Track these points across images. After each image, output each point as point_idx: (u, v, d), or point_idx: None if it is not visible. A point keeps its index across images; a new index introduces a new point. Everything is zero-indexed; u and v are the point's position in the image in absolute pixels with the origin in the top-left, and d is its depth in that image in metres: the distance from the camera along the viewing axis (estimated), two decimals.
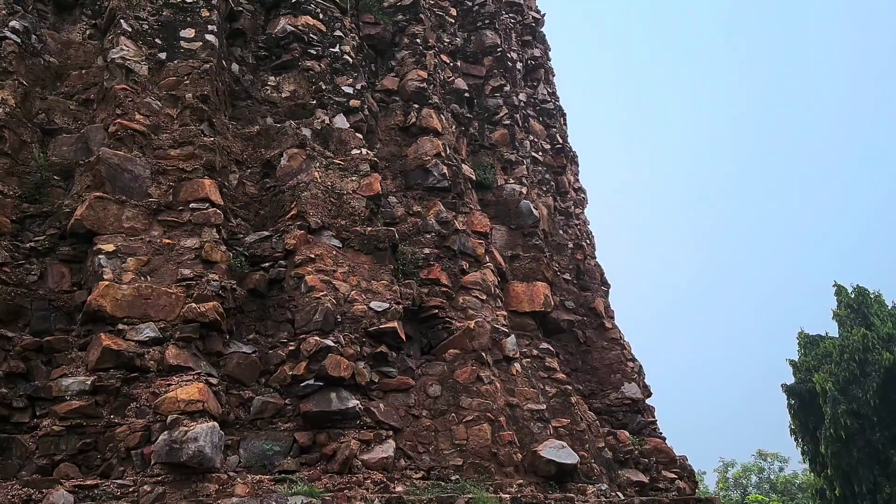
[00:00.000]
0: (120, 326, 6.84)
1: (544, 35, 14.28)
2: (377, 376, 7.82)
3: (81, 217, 7.30)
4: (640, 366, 11.93)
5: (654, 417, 11.52)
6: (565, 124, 14.08)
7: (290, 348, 7.45)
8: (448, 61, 11.48)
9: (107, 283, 6.95)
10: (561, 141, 13.46)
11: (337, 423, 7.11)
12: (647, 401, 11.63)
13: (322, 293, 7.76)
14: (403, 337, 8.11)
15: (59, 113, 8.44)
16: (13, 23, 8.31)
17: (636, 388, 11.44)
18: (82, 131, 8.23)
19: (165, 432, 6.00)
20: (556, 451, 8.46)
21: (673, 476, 10.66)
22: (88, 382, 6.46)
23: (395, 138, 10.29)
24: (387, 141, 10.29)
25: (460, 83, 11.52)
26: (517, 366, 9.24)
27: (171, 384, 6.50)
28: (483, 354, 8.60)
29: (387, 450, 7.10)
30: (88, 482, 5.77)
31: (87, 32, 9.10)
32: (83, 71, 8.84)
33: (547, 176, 12.77)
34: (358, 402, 7.24)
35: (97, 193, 7.46)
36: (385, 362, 7.91)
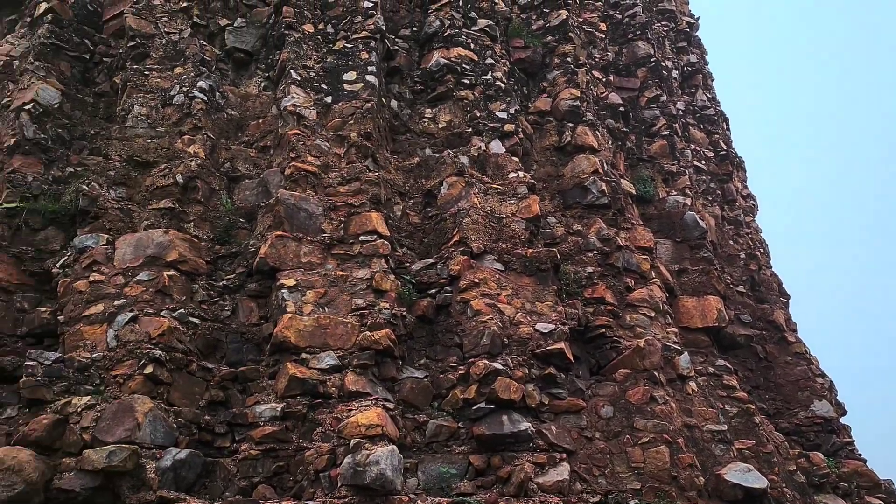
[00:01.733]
0: (303, 356, 7.30)
1: (699, 39, 13.79)
2: (547, 398, 7.80)
3: (265, 255, 7.89)
4: (831, 382, 11.04)
5: (850, 437, 10.60)
6: (728, 129, 13.46)
7: (460, 372, 7.61)
8: (600, 77, 11.37)
9: (290, 315, 7.45)
10: (724, 147, 12.88)
11: (510, 445, 7.16)
12: (842, 419, 10.74)
13: (488, 317, 7.88)
14: (571, 358, 8.05)
15: (241, 160, 9.20)
16: (200, 83, 9.20)
17: (828, 405, 10.60)
18: (262, 176, 8.92)
19: (349, 455, 6.32)
20: (743, 475, 8.00)
21: (878, 502, 9.74)
22: (279, 409, 6.94)
23: (550, 158, 10.31)
24: (542, 162, 10.33)
25: (614, 97, 11.35)
26: (693, 385, 8.87)
27: (352, 409, 6.84)
28: (655, 374, 8.34)
29: (561, 473, 7.05)
30: (284, 503, 6.18)
31: (262, 85, 9.89)
32: (260, 120, 9.59)
33: (712, 185, 12.25)
34: (529, 424, 7.25)
35: (277, 232, 8.04)
36: (554, 384, 7.88)
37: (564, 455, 7.37)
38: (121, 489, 6.03)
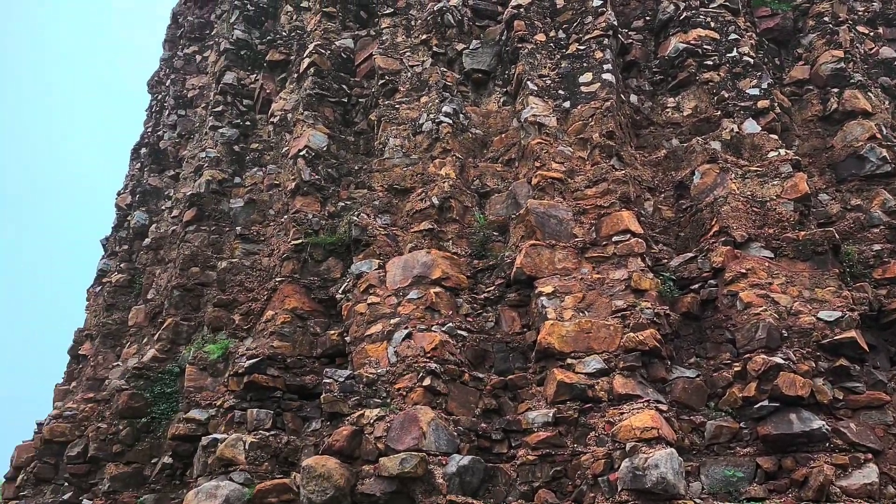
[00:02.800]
0: (569, 361, 7.34)
1: None
2: (841, 393, 7.06)
3: (521, 265, 8.07)
4: None
5: None
6: None
7: (736, 369, 7.17)
8: (867, 31, 10.15)
9: (551, 321, 7.55)
10: None
11: (802, 446, 6.59)
12: None
13: (761, 308, 7.35)
14: (865, 347, 7.22)
15: (489, 176, 9.54)
16: (445, 108, 9.71)
17: None
18: (510, 188, 9.16)
19: (626, 459, 6.22)
20: None
21: None
22: (550, 415, 7.04)
23: (815, 130, 9.39)
24: (806, 136, 9.44)
25: (886, 51, 10.06)
26: None
27: (624, 412, 6.73)
28: None
29: (868, 475, 6.33)
30: None
31: (501, 100, 10.18)
32: (503, 135, 9.88)
33: None
34: (823, 422, 6.62)
35: (530, 242, 8.20)
36: (847, 377, 7.12)
37: (870, 455, 6.62)
38: (415, 493, 6.49)
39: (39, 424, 10.43)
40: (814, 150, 9.27)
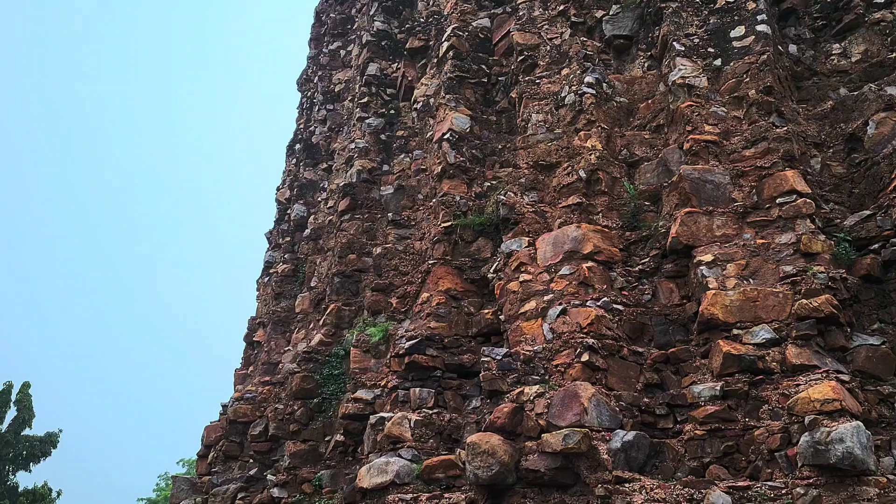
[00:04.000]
0: (734, 331, 6.99)
1: None
2: None
3: (677, 234, 7.76)
4: None
5: None
6: None
7: None
8: None
9: (713, 291, 7.22)
10: None
11: None
12: None
13: None
14: None
15: (636, 144, 9.23)
16: (587, 78, 9.48)
17: None
18: (660, 156, 8.82)
19: (806, 433, 5.86)
20: None
21: None
22: (717, 388, 6.75)
23: None
24: None
25: None
26: None
27: (799, 384, 6.34)
28: None
29: None
30: (740, 483, 5.98)
31: (646, 65, 9.80)
32: (649, 101, 9.51)
33: None
34: None
35: (686, 209, 7.86)
36: None
37: None
38: (579, 469, 6.45)
39: (224, 406, 11.31)
40: None
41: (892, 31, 8.39)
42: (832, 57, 8.85)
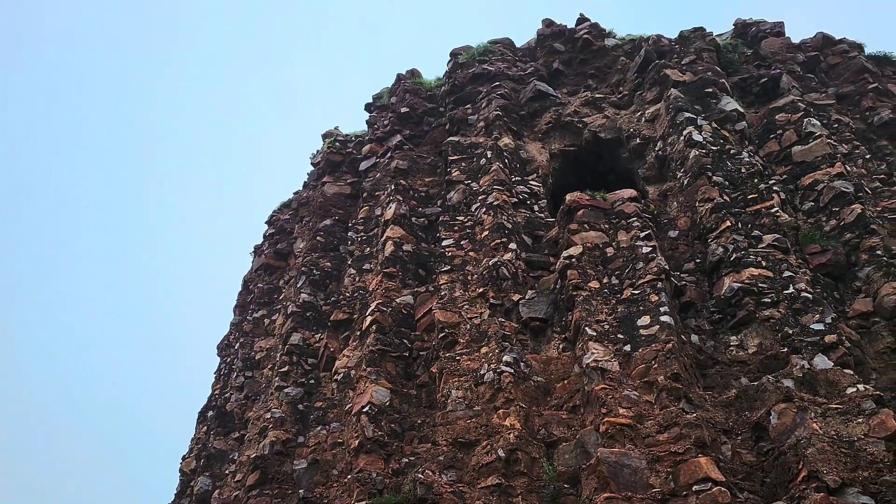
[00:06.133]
0: None
1: None
2: None
3: None
4: None
5: None
6: None
7: None
8: None
9: None
10: None
11: None
12: None
13: None
14: None
15: (554, 424, 9.30)
16: (505, 357, 9.77)
17: None
18: (577, 437, 8.87)
19: None
20: None
21: None
22: None
23: (891, 363, 9.08)
24: (882, 368, 9.12)
25: None
26: None
27: None
28: None
29: None
30: None
31: (561, 346, 10.23)
32: (565, 381, 9.78)
33: None
34: None
35: (605, 494, 7.74)
36: None
37: None
38: None
39: None
40: (893, 383, 8.89)
41: (781, 327, 9.14)
42: (731, 348, 9.46)
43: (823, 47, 14.85)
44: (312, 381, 12.06)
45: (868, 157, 12.16)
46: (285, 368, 12.09)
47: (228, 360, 15.07)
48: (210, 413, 14.06)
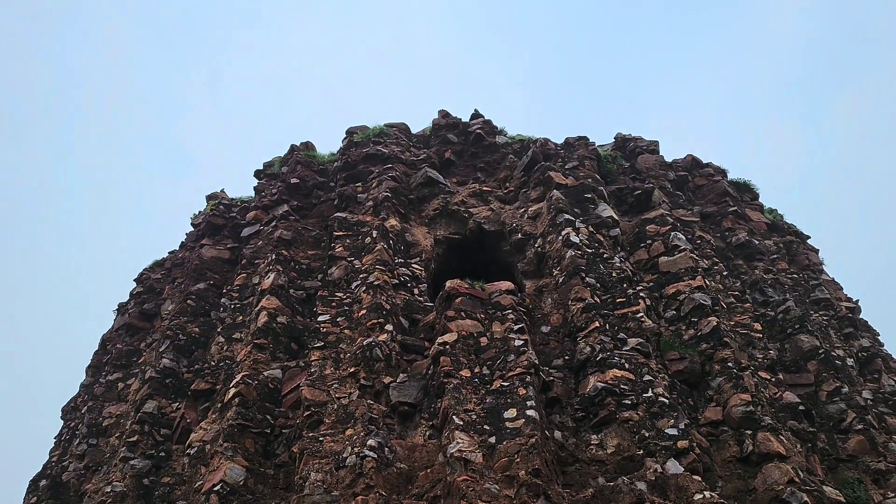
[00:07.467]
0: None
1: (866, 322, 13.17)
2: None
3: None
4: None
5: None
6: None
7: None
8: (768, 377, 10.88)
9: None
10: None
11: None
12: None
13: None
14: None
15: None
16: (370, 441, 9.54)
17: None
18: None
19: None
20: None
21: None
22: None
23: (736, 472, 9.52)
24: (728, 476, 9.54)
25: (789, 396, 10.70)
26: None
27: None
28: None
29: None
30: None
31: (427, 434, 10.12)
32: (428, 470, 9.63)
33: None
34: None
35: None
36: None
37: None
38: None
39: None
40: (737, 491, 9.31)
41: (639, 430, 9.44)
42: (591, 447, 9.66)
43: (692, 168, 16.08)
44: (163, 454, 11.29)
45: (725, 273, 13.08)
46: (134, 438, 11.28)
47: (72, 424, 13.91)
48: (43, 482, 12.80)
